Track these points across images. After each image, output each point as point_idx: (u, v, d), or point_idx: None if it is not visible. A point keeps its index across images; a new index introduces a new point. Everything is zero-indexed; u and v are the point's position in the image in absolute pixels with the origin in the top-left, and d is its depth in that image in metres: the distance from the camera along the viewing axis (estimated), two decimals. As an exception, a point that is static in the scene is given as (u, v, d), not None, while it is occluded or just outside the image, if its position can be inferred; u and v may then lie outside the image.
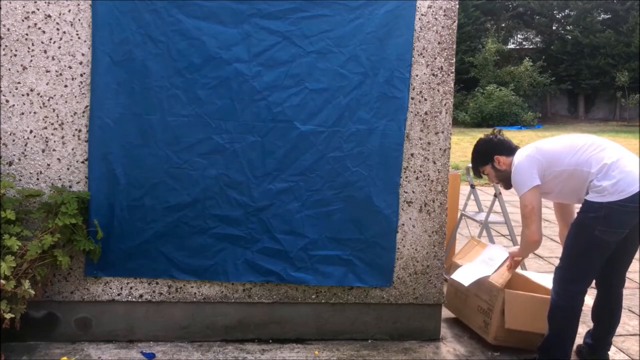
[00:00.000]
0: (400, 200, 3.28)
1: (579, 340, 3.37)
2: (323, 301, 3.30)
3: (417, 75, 3.21)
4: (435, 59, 3.22)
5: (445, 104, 3.27)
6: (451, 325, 3.66)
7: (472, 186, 4.80)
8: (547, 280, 3.61)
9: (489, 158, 3.17)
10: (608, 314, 3.08)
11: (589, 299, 3.29)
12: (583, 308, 2.97)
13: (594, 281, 3.03)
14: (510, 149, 3.14)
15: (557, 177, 2.93)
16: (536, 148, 3.02)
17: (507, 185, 3.18)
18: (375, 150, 3.21)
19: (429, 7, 3.18)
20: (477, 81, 25.46)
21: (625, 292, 4.05)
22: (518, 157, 3.03)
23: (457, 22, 3.25)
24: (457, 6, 3.24)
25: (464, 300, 3.59)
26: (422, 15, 3.18)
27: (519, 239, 4.77)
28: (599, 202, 2.77)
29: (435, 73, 3.23)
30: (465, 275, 3.42)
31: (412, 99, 3.23)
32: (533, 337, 3.24)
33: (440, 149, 3.29)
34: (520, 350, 3.28)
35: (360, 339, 3.36)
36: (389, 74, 3.17)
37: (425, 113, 3.25)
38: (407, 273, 3.33)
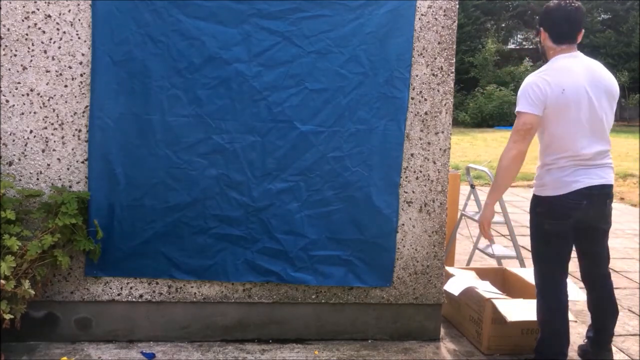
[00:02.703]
0: (400, 200, 3.28)
1: (579, 339, 3.38)
2: (323, 301, 3.30)
3: (417, 75, 3.21)
4: (435, 59, 3.22)
5: (445, 104, 3.27)
6: (451, 325, 3.66)
7: (472, 186, 4.79)
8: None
9: (538, 24, 2.92)
10: (602, 309, 3.04)
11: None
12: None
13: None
14: (559, 34, 2.78)
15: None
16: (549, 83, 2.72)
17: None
18: (375, 150, 3.21)
19: (429, 7, 3.18)
20: (477, 81, 25.46)
21: (625, 292, 4.06)
22: (553, 73, 2.76)
23: (457, 22, 3.25)
24: (457, 6, 3.24)
25: (458, 309, 3.59)
26: (422, 15, 3.18)
27: (519, 239, 4.77)
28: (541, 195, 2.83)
29: (435, 73, 3.23)
30: (455, 285, 3.44)
31: (412, 99, 3.23)
32: (527, 344, 3.25)
33: (440, 149, 3.29)
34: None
35: (360, 339, 3.36)
36: (389, 74, 3.17)
37: (425, 113, 3.25)
38: (407, 273, 3.34)
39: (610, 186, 2.81)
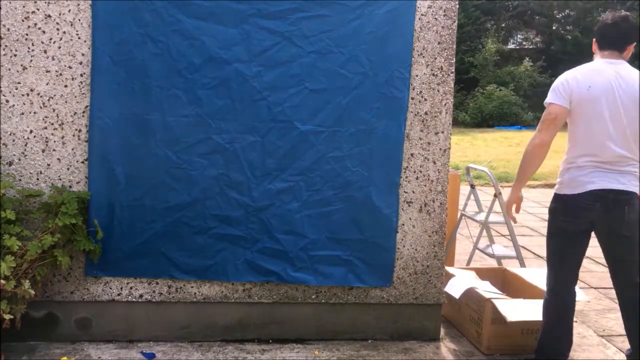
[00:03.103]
0: (400, 200, 3.28)
1: (579, 339, 3.37)
2: (323, 301, 3.30)
3: (417, 75, 3.21)
4: (435, 59, 3.22)
5: (445, 104, 3.27)
6: (451, 325, 3.66)
7: (472, 186, 4.80)
8: (542, 278, 3.63)
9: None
10: (631, 320, 2.89)
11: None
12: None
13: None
14: (602, 40, 2.88)
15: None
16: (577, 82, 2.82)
17: None
18: (375, 150, 3.21)
19: (429, 7, 3.18)
20: (477, 81, 25.43)
21: (625, 292, 4.05)
22: (583, 71, 2.85)
23: (457, 22, 3.25)
24: (457, 6, 3.24)
25: (458, 309, 3.59)
26: (422, 15, 3.18)
27: (519, 239, 4.78)
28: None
29: (435, 73, 3.23)
30: (456, 287, 3.44)
31: (412, 99, 3.23)
32: (527, 344, 3.25)
33: (440, 149, 3.29)
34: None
35: (360, 339, 3.36)
36: (389, 74, 3.17)
37: (425, 113, 3.25)
38: (407, 273, 3.33)
39: (628, 193, 2.75)
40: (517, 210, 3.11)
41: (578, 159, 2.82)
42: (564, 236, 2.87)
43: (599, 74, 2.81)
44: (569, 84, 2.82)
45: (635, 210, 2.79)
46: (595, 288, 4.57)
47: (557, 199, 2.90)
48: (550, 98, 2.86)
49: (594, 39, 2.95)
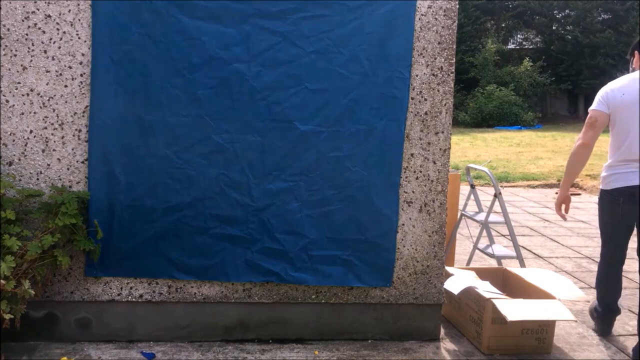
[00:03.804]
0: (400, 200, 3.28)
1: (579, 339, 3.37)
2: (323, 301, 3.30)
3: (417, 75, 3.21)
4: (435, 59, 3.22)
5: (445, 104, 3.27)
6: (451, 325, 3.66)
7: (472, 186, 4.80)
8: (542, 278, 3.63)
9: (632, 54, 3.50)
10: None
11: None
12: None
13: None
14: None
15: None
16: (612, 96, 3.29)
17: None
18: (375, 150, 3.21)
19: (429, 7, 3.18)
20: (477, 81, 25.44)
21: (625, 292, 4.06)
22: (621, 82, 3.31)
23: (457, 22, 3.25)
24: (457, 6, 3.24)
25: (458, 309, 3.59)
26: (422, 15, 3.18)
27: (519, 239, 4.78)
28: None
29: (435, 73, 3.23)
30: (455, 283, 3.44)
31: (412, 99, 3.23)
32: (527, 344, 3.25)
33: (440, 149, 3.29)
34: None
35: (360, 339, 3.36)
36: (389, 74, 3.17)
37: (425, 113, 3.25)
38: (407, 273, 3.34)
39: None
40: (567, 210, 3.51)
41: (615, 158, 3.29)
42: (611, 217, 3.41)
43: (634, 83, 3.23)
44: (608, 93, 3.31)
45: None
46: (595, 288, 4.57)
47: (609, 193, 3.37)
48: (592, 105, 3.36)
49: (638, 52, 3.41)
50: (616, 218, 3.32)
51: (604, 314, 3.57)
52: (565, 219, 3.60)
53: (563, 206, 3.51)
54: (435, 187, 3.31)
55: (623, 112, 3.22)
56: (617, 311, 3.58)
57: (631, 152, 3.20)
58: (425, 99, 3.24)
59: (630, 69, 3.50)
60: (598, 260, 3.58)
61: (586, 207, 4.43)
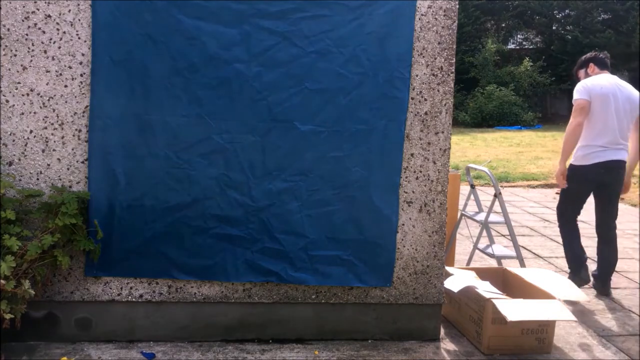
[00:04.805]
0: (400, 200, 3.28)
1: (579, 339, 3.36)
2: (323, 301, 3.30)
3: (417, 75, 3.21)
4: (435, 59, 3.22)
5: (445, 104, 3.27)
6: (451, 325, 3.66)
7: (472, 186, 4.79)
8: (542, 278, 3.63)
9: (585, 64, 4.46)
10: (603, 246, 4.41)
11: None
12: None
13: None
14: (603, 64, 4.39)
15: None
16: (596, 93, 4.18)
17: None
18: (375, 150, 3.21)
19: (429, 7, 3.18)
20: (477, 81, 25.43)
21: (625, 292, 4.06)
22: (594, 79, 4.24)
23: (457, 22, 3.25)
24: (457, 6, 3.24)
25: (458, 309, 3.59)
26: (422, 15, 3.18)
27: (519, 239, 4.77)
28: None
29: (435, 73, 3.23)
30: (455, 282, 3.44)
31: (412, 99, 3.23)
32: (527, 344, 3.25)
33: (440, 149, 3.29)
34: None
35: (360, 339, 3.36)
36: (389, 74, 3.17)
37: (425, 113, 3.25)
38: (407, 273, 3.34)
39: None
40: (565, 178, 4.30)
41: (594, 140, 4.16)
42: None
43: (605, 79, 4.23)
44: (588, 85, 4.18)
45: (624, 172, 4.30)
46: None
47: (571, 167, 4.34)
48: (576, 95, 4.19)
49: (593, 64, 4.40)
50: (589, 186, 4.28)
51: (579, 266, 4.38)
52: (565, 187, 4.35)
53: (562, 177, 4.33)
54: (435, 187, 3.31)
55: (601, 102, 4.12)
56: (585, 257, 4.41)
57: (607, 135, 4.13)
58: (425, 99, 3.24)
59: (580, 76, 4.47)
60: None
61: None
